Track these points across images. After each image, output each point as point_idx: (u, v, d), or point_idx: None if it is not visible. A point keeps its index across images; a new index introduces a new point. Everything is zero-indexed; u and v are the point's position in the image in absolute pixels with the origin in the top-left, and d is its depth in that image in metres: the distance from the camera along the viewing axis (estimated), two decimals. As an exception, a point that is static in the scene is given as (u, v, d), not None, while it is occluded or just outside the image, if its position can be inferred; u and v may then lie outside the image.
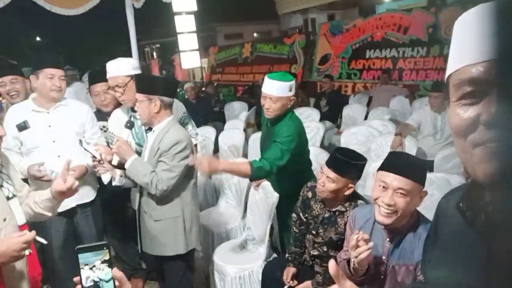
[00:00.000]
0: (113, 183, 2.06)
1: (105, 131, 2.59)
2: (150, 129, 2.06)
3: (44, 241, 1.40)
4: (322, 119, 5.30)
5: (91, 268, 0.80)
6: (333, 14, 15.11)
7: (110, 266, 0.81)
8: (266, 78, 2.28)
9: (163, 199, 2.03)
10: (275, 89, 2.22)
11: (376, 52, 7.54)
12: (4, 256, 1.24)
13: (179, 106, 2.51)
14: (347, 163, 1.83)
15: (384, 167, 1.48)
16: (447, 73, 0.65)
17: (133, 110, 2.30)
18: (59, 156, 2.17)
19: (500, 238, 0.61)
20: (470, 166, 0.62)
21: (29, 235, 1.28)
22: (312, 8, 13.99)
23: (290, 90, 2.26)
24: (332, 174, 1.83)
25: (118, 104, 2.48)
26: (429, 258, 0.89)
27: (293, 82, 2.28)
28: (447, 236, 0.79)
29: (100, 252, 0.81)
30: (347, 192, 1.88)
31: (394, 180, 1.42)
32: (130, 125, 2.10)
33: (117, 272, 0.82)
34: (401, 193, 1.41)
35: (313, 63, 9.08)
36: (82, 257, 0.80)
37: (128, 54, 3.96)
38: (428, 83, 6.50)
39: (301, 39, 9.61)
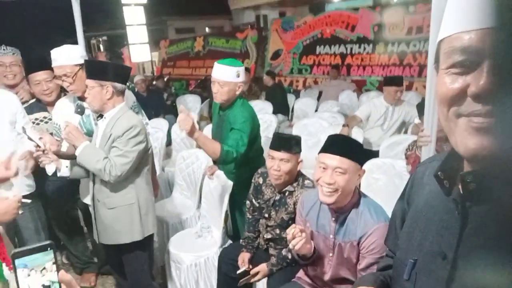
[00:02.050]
0: (58, 174, 1.97)
1: (46, 122, 2.47)
2: (101, 116, 2.00)
3: (28, 201, 1.79)
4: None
5: (29, 272, 0.69)
6: (284, 11, 15.37)
7: (57, 269, 0.71)
8: (215, 64, 2.37)
9: (117, 186, 1.98)
10: (223, 73, 2.31)
11: (325, 48, 7.80)
12: (8, 214, 1.41)
13: (129, 95, 2.46)
14: (291, 140, 2.02)
15: (324, 149, 1.59)
16: (439, 37, 0.61)
17: (80, 99, 2.22)
18: None
19: (476, 209, 0.62)
20: (452, 135, 0.61)
21: (19, 195, 1.47)
22: (263, 4, 14.14)
23: (238, 76, 2.34)
24: (285, 155, 1.96)
25: (59, 94, 2.39)
26: (399, 226, 0.89)
27: (240, 68, 2.36)
28: (421, 204, 0.78)
29: (44, 254, 0.70)
30: (299, 167, 2.05)
31: (332, 160, 1.53)
32: (80, 110, 2.00)
33: (64, 276, 0.73)
34: (339, 172, 1.51)
35: (265, 59, 9.20)
36: (21, 262, 0.68)
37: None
38: (374, 78, 6.84)
39: (253, 34, 9.69)
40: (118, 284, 2.52)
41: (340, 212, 1.61)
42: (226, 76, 2.31)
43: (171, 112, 6.25)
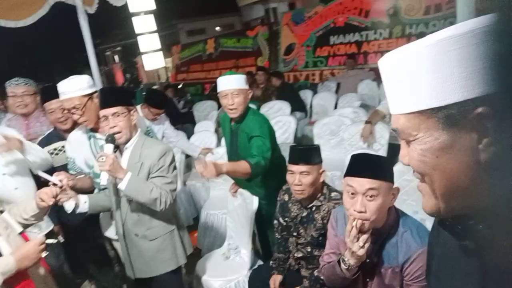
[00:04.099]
0: (78, 210, 1.91)
1: (65, 151, 2.42)
2: (117, 147, 1.91)
3: (54, 241, 1.70)
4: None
5: None
6: (293, 2, 15.11)
7: None
8: (219, 79, 2.31)
9: (158, 215, 1.94)
10: (234, 82, 2.26)
11: (340, 38, 7.54)
12: (28, 259, 1.44)
13: (141, 120, 2.38)
14: (309, 150, 1.93)
15: (349, 171, 1.44)
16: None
17: (92, 130, 2.15)
18: (16, 188, 2.07)
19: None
20: None
21: (40, 237, 1.52)
22: (272, -3, 13.92)
23: (246, 83, 2.32)
24: (304, 167, 1.85)
25: (75, 122, 2.33)
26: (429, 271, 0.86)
27: (245, 76, 2.36)
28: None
29: None
30: (322, 178, 1.93)
31: (361, 183, 1.38)
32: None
33: None
34: (371, 195, 1.37)
35: (278, 54, 9.01)
36: None
37: (87, 61, 3.78)
38: (393, 65, 6.56)
39: (264, 30, 9.51)
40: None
41: (377, 234, 1.47)
42: (238, 83, 2.26)
43: (188, 120, 6.19)
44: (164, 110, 3.46)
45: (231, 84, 2.25)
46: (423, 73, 0.56)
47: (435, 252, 0.77)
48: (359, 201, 1.37)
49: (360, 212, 1.37)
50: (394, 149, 3.47)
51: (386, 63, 0.63)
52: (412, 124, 0.60)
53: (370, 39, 6.97)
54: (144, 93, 6.83)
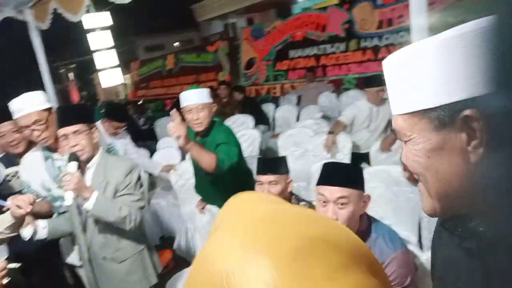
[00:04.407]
0: (36, 237, 1.79)
1: (18, 177, 2.26)
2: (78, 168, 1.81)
3: (17, 265, 1.62)
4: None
5: None
6: (251, 17, 15.35)
7: None
8: (182, 94, 2.30)
9: (126, 235, 1.86)
10: (197, 97, 2.25)
11: (298, 52, 7.73)
12: None
13: (101, 137, 2.29)
14: (276, 160, 1.99)
15: (321, 180, 1.46)
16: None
17: (48, 150, 2.04)
18: None
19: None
20: None
21: (1, 263, 1.46)
22: (230, 13, 14.08)
23: (210, 97, 2.32)
24: (272, 177, 1.88)
25: (28, 144, 2.20)
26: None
27: (209, 90, 2.36)
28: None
29: None
30: (289, 188, 1.96)
31: (332, 192, 1.39)
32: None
33: None
34: (342, 203, 1.38)
35: (239, 68, 9.08)
36: None
37: (41, 79, 3.62)
38: (351, 76, 6.80)
39: (224, 45, 9.56)
40: None
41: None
42: (202, 98, 2.26)
43: (150, 137, 6.04)
44: (126, 124, 3.35)
45: (194, 98, 2.24)
46: (414, 76, 0.58)
47: (438, 254, 0.78)
48: (330, 209, 1.38)
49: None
50: (357, 158, 3.57)
51: (387, 65, 0.65)
52: (406, 125, 0.62)
53: (327, 52, 7.19)
54: (103, 110, 6.62)
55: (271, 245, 0.27)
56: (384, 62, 0.65)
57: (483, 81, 0.46)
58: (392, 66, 0.63)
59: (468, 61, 0.51)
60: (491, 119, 0.44)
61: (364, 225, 1.48)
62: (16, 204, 1.60)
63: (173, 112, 1.95)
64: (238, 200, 0.41)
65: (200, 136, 2.35)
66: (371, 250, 0.35)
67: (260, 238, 0.28)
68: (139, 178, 1.88)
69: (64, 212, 1.99)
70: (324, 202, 1.41)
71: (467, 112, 0.53)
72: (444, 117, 0.55)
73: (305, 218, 0.31)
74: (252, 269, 0.27)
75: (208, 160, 2.04)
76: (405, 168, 2.16)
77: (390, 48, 6.20)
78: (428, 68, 0.56)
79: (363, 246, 0.33)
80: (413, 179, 2.18)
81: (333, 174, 1.43)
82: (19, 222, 1.68)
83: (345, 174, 1.43)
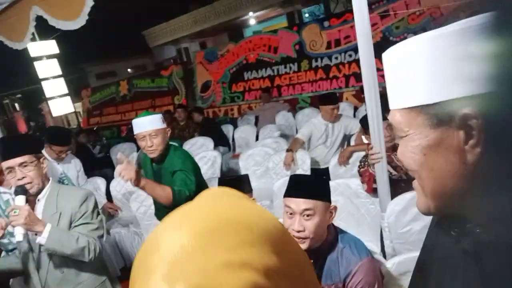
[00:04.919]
0: None
1: None
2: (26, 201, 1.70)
3: None
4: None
5: None
6: (204, 41, 15.50)
7: None
8: (134, 121, 2.25)
9: (85, 268, 1.77)
10: (150, 123, 2.21)
11: (253, 73, 7.88)
12: None
13: (53, 167, 2.19)
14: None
15: (287, 192, 1.48)
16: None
17: None
18: None
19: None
20: None
21: None
22: (182, 37, 14.14)
23: (163, 122, 2.28)
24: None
25: None
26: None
27: (162, 115, 2.32)
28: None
29: None
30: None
31: (298, 203, 1.41)
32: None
33: None
34: (307, 215, 1.40)
35: (195, 92, 9.09)
36: None
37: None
38: (305, 95, 7.01)
39: (178, 69, 9.55)
40: None
41: (318, 254, 1.50)
42: (155, 124, 2.21)
43: (106, 165, 5.83)
44: (70, 147, 3.18)
45: (147, 125, 2.19)
46: (415, 70, 0.57)
47: (434, 255, 0.74)
48: (297, 220, 1.40)
49: (299, 231, 1.40)
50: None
51: (386, 58, 0.64)
52: (404, 120, 0.61)
53: (281, 73, 7.39)
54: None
55: (192, 223, 0.36)
56: (383, 55, 0.64)
57: (482, 80, 0.44)
58: (391, 59, 0.63)
59: (467, 58, 0.49)
60: (490, 118, 0.44)
61: (331, 236, 1.50)
62: None
63: (119, 155, 1.93)
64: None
65: (155, 162, 2.31)
66: (288, 234, 0.40)
67: (188, 218, 0.38)
68: (95, 205, 1.82)
69: (13, 250, 1.86)
70: (290, 214, 1.43)
71: (465, 110, 0.51)
72: (443, 114, 0.54)
73: (230, 205, 0.39)
74: (170, 235, 0.36)
75: (164, 195, 2.01)
76: (363, 180, 2.22)
77: (340, 66, 6.49)
78: (427, 63, 0.55)
79: (274, 229, 0.38)
80: (371, 191, 2.23)
81: (299, 187, 1.46)
82: None
83: (310, 187, 1.45)
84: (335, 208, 1.50)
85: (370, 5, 6.04)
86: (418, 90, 0.57)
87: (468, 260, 0.61)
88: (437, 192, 0.60)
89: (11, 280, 2.05)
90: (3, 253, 1.96)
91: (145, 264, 0.36)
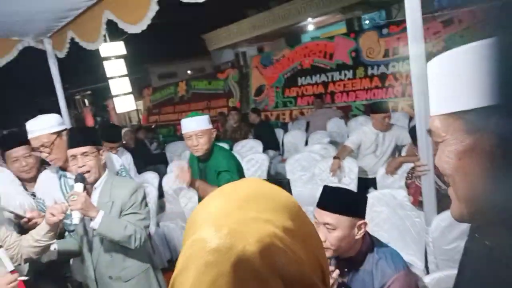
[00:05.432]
0: (45, 259, 1.84)
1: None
2: (84, 188, 1.88)
3: (26, 278, 1.67)
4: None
5: None
6: (262, 46, 15.71)
7: None
8: (183, 121, 2.37)
9: (131, 254, 1.91)
10: (196, 124, 2.32)
11: (307, 79, 7.88)
12: None
13: (114, 159, 2.37)
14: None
15: (317, 203, 1.49)
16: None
17: (61, 169, 2.13)
18: None
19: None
20: None
21: (11, 275, 1.54)
22: (241, 42, 14.45)
23: (209, 123, 2.38)
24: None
25: (38, 169, 2.28)
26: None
27: (208, 116, 2.43)
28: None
29: None
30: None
31: (321, 216, 1.43)
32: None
33: None
34: (329, 228, 1.41)
35: (249, 95, 9.26)
36: None
37: (57, 105, 3.75)
38: (359, 103, 6.88)
39: (234, 73, 9.79)
40: None
41: (350, 264, 1.50)
42: (201, 125, 2.32)
43: (161, 161, 6.14)
44: (120, 143, 3.39)
45: (193, 126, 2.31)
46: (456, 77, 0.59)
47: (467, 266, 0.75)
48: (321, 231, 1.42)
49: (322, 241, 1.41)
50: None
51: (431, 67, 0.66)
52: (442, 126, 0.63)
53: (335, 79, 7.32)
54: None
55: (232, 193, 0.51)
56: (429, 64, 0.66)
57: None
58: (435, 67, 0.65)
59: (506, 67, 0.49)
60: None
61: (365, 247, 1.50)
62: (50, 212, 1.68)
63: (174, 164, 2.09)
64: None
65: (201, 161, 2.43)
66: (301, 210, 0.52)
67: (228, 190, 0.52)
68: (144, 197, 1.94)
69: (73, 231, 2.05)
70: (316, 223, 1.45)
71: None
72: (478, 120, 0.56)
73: (260, 184, 0.53)
74: (214, 201, 0.51)
75: None
76: (410, 192, 2.16)
77: (397, 75, 6.29)
78: (468, 71, 0.56)
79: (291, 203, 0.51)
80: (417, 203, 2.17)
81: (325, 199, 1.46)
82: (54, 230, 1.74)
83: (336, 200, 1.44)
84: (365, 224, 1.47)
85: (433, 12, 5.82)
86: (458, 96, 0.58)
87: (502, 271, 0.61)
88: (470, 197, 0.61)
89: (71, 260, 2.26)
90: (66, 234, 2.17)
91: (196, 220, 0.49)
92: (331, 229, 1.41)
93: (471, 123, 0.57)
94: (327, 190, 1.52)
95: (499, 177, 0.55)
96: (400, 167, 3.22)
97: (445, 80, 0.61)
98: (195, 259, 0.44)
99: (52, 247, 1.84)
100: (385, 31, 6.48)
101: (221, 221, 0.46)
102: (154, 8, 2.47)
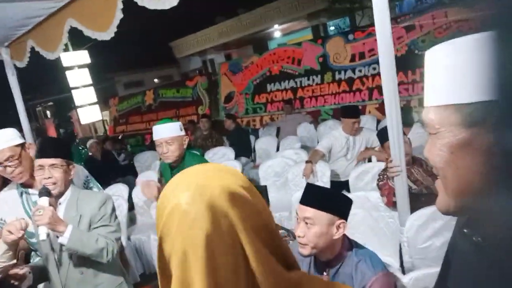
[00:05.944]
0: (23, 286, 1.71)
1: None
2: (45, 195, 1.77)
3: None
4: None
5: None
6: (229, 53, 15.76)
7: None
8: (154, 128, 2.33)
9: (104, 269, 1.81)
10: (167, 131, 2.28)
11: (276, 85, 7.93)
12: None
13: (80, 170, 2.27)
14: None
15: (300, 199, 1.52)
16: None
17: (23, 186, 2.00)
18: None
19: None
20: None
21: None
22: (208, 49, 14.42)
23: (181, 130, 2.34)
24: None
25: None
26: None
27: (180, 123, 2.38)
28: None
29: None
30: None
31: (302, 211, 1.47)
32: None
33: None
34: (308, 223, 1.44)
35: (218, 102, 9.22)
36: None
37: (17, 117, 3.58)
38: (327, 107, 6.99)
39: (203, 80, 9.72)
40: None
41: (329, 265, 1.50)
42: (172, 132, 2.28)
43: (129, 172, 5.98)
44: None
45: (164, 132, 2.27)
46: (455, 69, 0.57)
47: (453, 261, 0.74)
48: (299, 226, 1.47)
49: (299, 236, 1.45)
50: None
51: (427, 57, 0.65)
52: (437, 118, 0.61)
53: (304, 85, 7.41)
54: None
55: (196, 169, 0.64)
56: (426, 53, 0.65)
57: None
58: (432, 58, 0.63)
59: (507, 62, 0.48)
60: None
61: (344, 249, 1.50)
62: (7, 229, 1.57)
63: (139, 177, 2.04)
64: None
65: (173, 168, 2.38)
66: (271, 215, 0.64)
67: (191, 170, 0.64)
68: (113, 209, 1.88)
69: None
70: (297, 219, 1.49)
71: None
72: (476, 115, 0.55)
73: (218, 165, 0.67)
74: (173, 181, 0.62)
75: None
76: (383, 194, 2.20)
77: (364, 79, 6.45)
78: (467, 64, 0.55)
79: (244, 177, 0.64)
80: (391, 204, 2.21)
81: (307, 195, 1.50)
82: (13, 249, 1.63)
83: (316, 196, 1.48)
84: (343, 224, 1.48)
85: (395, 18, 6.01)
86: (455, 89, 0.57)
87: (490, 267, 0.61)
88: (460, 192, 0.60)
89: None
90: (32, 253, 2.04)
91: (164, 200, 0.59)
92: (310, 224, 1.44)
93: (469, 117, 0.56)
94: (310, 187, 1.55)
95: (493, 173, 0.54)
96: (368, 158, 3.31)
97: (444, 71, 0.60)
98: (175, 214, 0.54)
99: (26, 271, 1.72)
100: (351, 36, 6.63)
101: (188, 184, 0.57)
102: (119, 16, 2.40)
